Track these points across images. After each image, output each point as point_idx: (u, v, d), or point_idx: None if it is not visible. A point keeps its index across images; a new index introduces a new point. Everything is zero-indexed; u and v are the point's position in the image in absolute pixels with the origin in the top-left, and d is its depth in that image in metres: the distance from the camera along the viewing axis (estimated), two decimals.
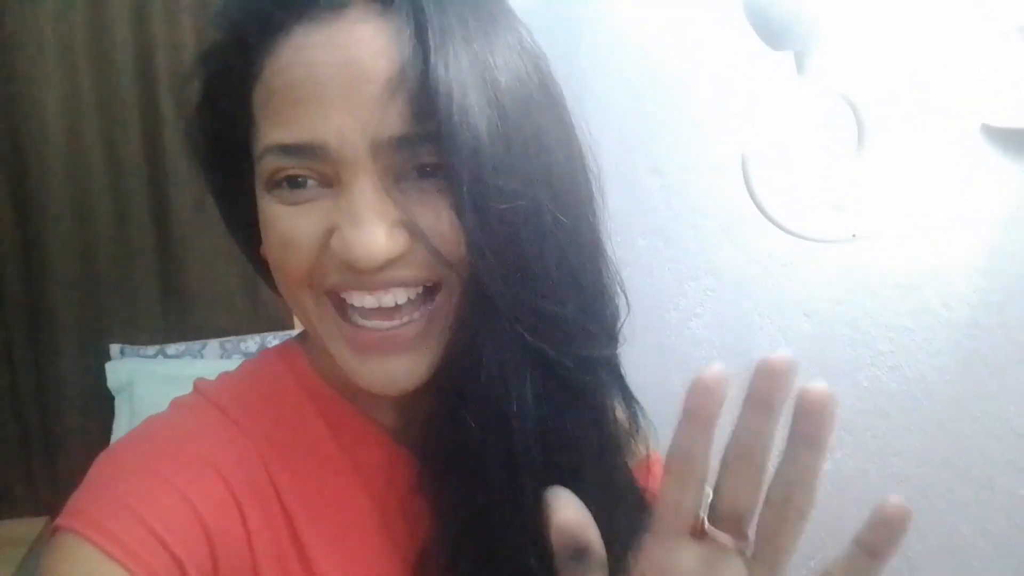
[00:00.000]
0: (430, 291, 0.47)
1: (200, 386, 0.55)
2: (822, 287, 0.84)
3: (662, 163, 1.17)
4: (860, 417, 0.80)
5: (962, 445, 0.67)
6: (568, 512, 0.37)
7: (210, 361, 2.25)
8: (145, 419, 0.53)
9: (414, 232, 0.44)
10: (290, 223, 0.46)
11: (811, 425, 0.33)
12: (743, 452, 0.34)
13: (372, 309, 0.46)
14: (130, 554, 0.44)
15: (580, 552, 0.38)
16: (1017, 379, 0.62)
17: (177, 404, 0.54)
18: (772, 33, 0.53)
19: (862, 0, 0.52)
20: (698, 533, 0.36)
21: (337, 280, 0.46)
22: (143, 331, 2.30)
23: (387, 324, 0.46)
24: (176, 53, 2.20)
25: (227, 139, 0.50)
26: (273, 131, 0.45)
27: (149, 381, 2.16)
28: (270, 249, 0.48)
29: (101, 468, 0.49)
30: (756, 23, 0.53)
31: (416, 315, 0.47)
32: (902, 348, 0.73)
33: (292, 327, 2.20)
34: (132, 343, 2.28)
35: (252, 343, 2.28)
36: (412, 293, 0.47)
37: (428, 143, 0.43)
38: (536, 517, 0.46)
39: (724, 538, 0.36)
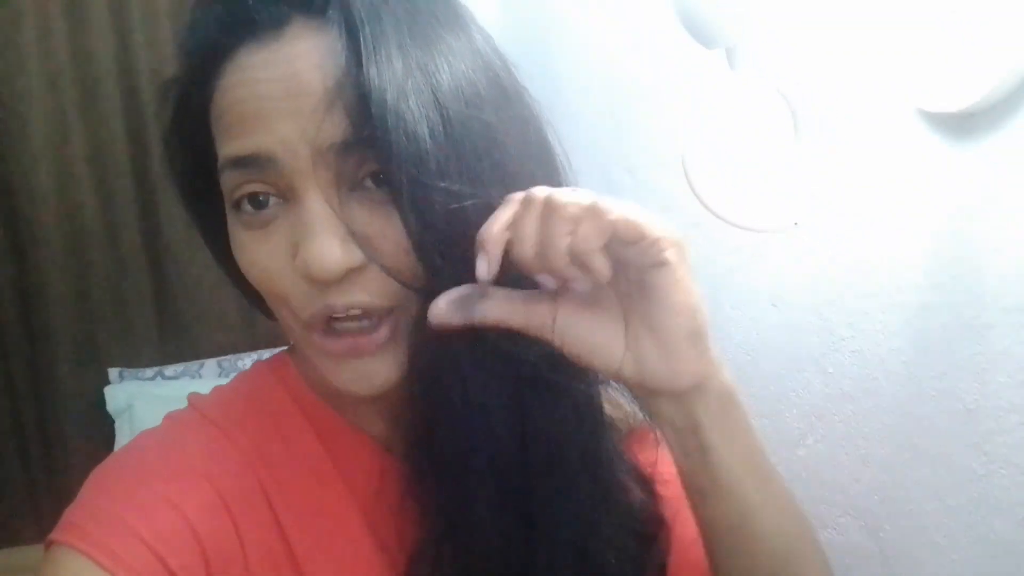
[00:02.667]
0: (391, 310, 0.48)
1: (193, 400, 0.57)
2: (787, 277, 0.85)
3: (634, 162, 1.19)
4: (828, 403, 0.81)
5: (920, 424, 0.69)
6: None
7: (208, 380, 2.27)
8: (139, 433, 0.54)
9: (364, 244, 0.45)
10: (257, 249, 0.48)
11: None
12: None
13: (342, 326, 0.48)
14: (124, 566, 0.45)
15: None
16: (965, 356, 0.64)
17: (171, 418, 0.56)
18: (701, 32, 0.54)
19: None
20: None
21: (312, 313, 0.47)
22: (141, 354, 2.32)
23: (356, 327, 0.48)
24: (160, 74, 2.22)
25: (199, 166, 0.52)
26: (225, 147, 0.47)
27: (149, 403, 2.18)
28: (247, 274, 0.50)
29: (94, 482, 0.50)
30: (686, 23, 0.55)
31: (382, 324, 0.48)
32: (861, 332, 0.75)
33: (288, 344, 2.21)
34: (130, 366, 2.30)
35: (249, 361, 2.31)
36: (375, 318, 0.48)
37: (371, 149, 0.44)
38: (519, 517, 0.49)
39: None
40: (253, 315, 2.24)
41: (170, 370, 2.30)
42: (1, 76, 2.15)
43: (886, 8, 0.61)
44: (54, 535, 0.47)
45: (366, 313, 0.47)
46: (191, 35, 0.50)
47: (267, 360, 0.60)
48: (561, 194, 0.42)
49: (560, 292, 0.45)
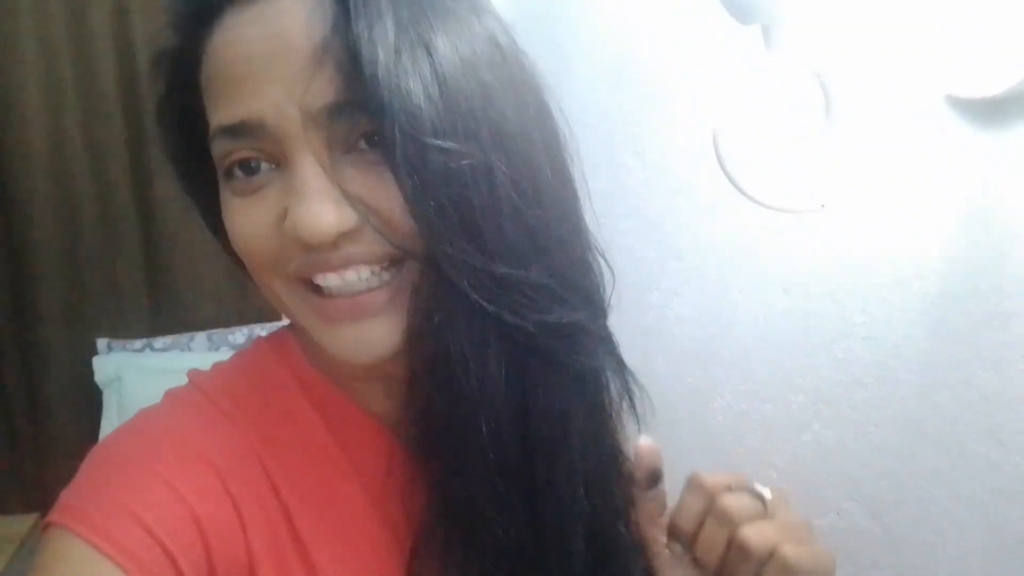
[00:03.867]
0: (395, 263, 0.47)
1: (193, 377, 0.55)
2: (800, 262, 0.85)
3: (643, 145, 1.18)
4: (837, 388, 0.81)
5: (935, 412, 0.69)
6: (646, 440, 0.51)
7: (198, 354, 2.25)
8: (138, 412, 0.53)
9: (359, 206, 0.44)
10: (246, 213, 0.47)
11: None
12: None
13: (338, 287, 0.46)
14: (122, 550, 0.43)
15: (656, 477, 0.53)
16: (985, 345, 0.64)
17: (170, 396, 0.54)
18: (739, 6, 0.53)
19: None
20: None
21: (299, 264, 0.46)
22: (130, 325, 2.30)
23: (354, 288, 0.46)
24: (155, 37, 2.18)
25: (190, 136, 0.51)
26: (216, 114, 0.46)
27: (137, 375, 2.16)
28: (234, 242, 0.48)
29: (92, 463, 0.49)
30: None
31: (387, 276, 0.47)
32: (875, 319, 0.75)
33: (280, 319, 2.20)
34: (119, 337, 2.27)
35: (240, 335, 2.29)
36: (376, 267, 0.46)
37: (364, 111, 0.43)
38: (523, 494, 0.48)
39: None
40: (245, 289, 2.26)
41: (159, 342, 2.28)
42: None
43: None
44: (51, 517, 0.46)
45: (364, 261, 0.45)
46: (178, 1, 0.49)
47: (268, 337, 0.59)
48: (754, 536, 0.51)
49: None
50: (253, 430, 0.52)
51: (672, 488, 0.57)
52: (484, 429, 0.46)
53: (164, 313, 2.33)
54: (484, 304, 0.44)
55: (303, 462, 0.52)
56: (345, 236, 0.44)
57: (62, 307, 2.24)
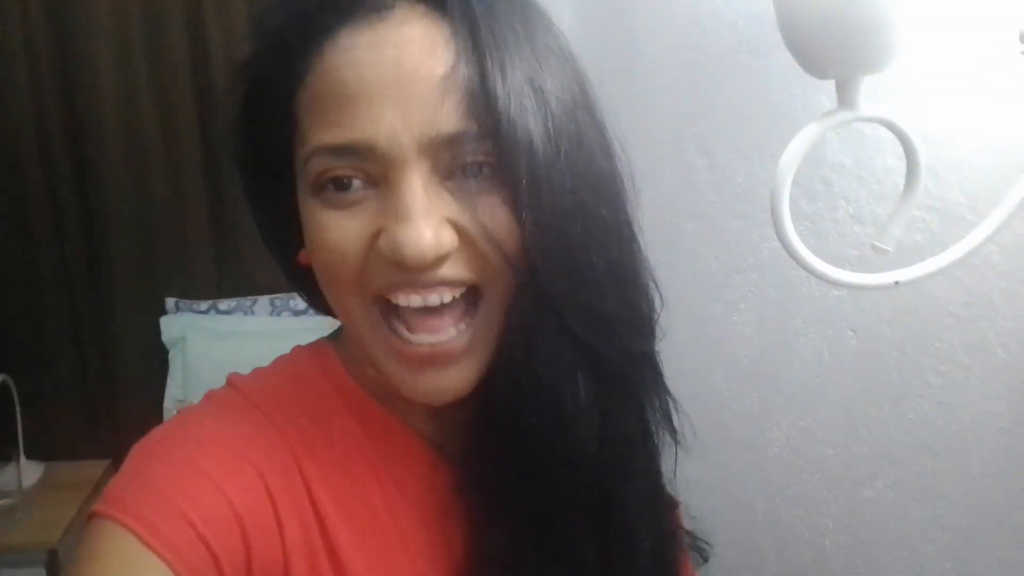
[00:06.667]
0: (473, 294, 0.48)
1: (234, 380, 0.55)
2: (870, 303, 0.77)
3: (711, 144, 1.09)
4: (903, 450, 0.74)
5: (1014, 502, 0.61)
6: None
7: (260, 318, 2.28)
8: (178, 411, 0.54)
9: (461, 229, 0.45)
10: (337, 227, 0.46)
11: None
12: None
13: (418, 308, 0.47)
14: (167, 544, 0.44)
15: None
16: None
17: (211, 398, 0.54)
18: (814, 61, 0.46)
19: (913, 25, 0.44)
20: None
21: (384, 282, 0.46)
22: (197, 286, 2.34)
23: (434, 339, 0.47)
24: (227, 10, 2.18)
25: (267, 146, 0.50)
26: (320, 133, 0.45)
27: (201, 336, 2.20)
28: (316, 254, 0.48)
29: (139, 458, 0.49)
30: (795, 51, 0.46)
31: (463, 326, 0.47)
32: (954, 384, 0.67)
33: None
34: (186, 297, 2.32)
35: (301, 301, 2.30)
36: (457, 292, 0.47)
37: (477, 141, 0.44)
38: (593, 512, 0.50)
39: None
40: None
41: (224, 304, 2.31)
42: (69, 9, 2.13)
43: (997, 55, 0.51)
44: (98, 507, 0.46)
45: (448, 284, 0.46)
46: (278, 11, 0.48)
47: (307, 347, 0.58)
48: None
49: None
50: (293, 434, 0.52)
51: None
52: (570, 452, 0.48)
53: (230, 276, 2.36)
54: (578, 332, 0.46)
55: (340, 469, 0.52)
56: (440, 259, 0.45)
57: (133, 265, 2.30)
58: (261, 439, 0.51)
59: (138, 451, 0.50)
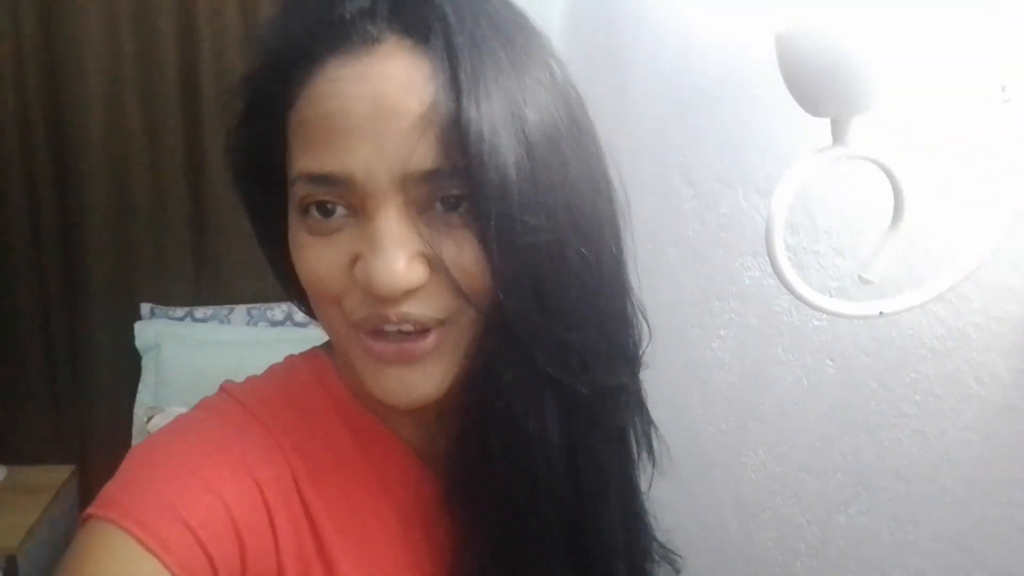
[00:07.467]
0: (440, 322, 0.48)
1: (228, 388, 0.56)
2: (849, 334, 0.80)
3: (696, 173, 1.12)
4: (878, 476, 0.76)
5: (983, 530, 0.64)
6: None
7: (236, 327, 2.27)
8: (175, 417, 0.54)
9: (434, 264, 0.45)
10: (317, 253, 0.47)
11: None
12: None
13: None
14: (165, 547, 0.44)
15: None
16: None
17: (205, 405, 0.55)
18: (809, 100, 0.48)
19: (903, 72, 0.47)
20: None
21: (363, 316, 0.47)
22: (173, 293, 2.32)
23: (403, 335, 0.47)
24: (217, 16, 2.18)
25: (263, 159, 0.51)
26: (304, 159, 0.46)
27: (176, 344, 2.18)
28: (300, 274, 0.49)
29: (135, 462, 0.49)
30: (794, 90, 0.49)
31: (430, 333, 0.48)
32: (928, 414, 0.69)
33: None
34: (163, 304, 2.30)
35: (279, 311, 2.29)
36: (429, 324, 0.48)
37: (454, 177, 0.44)
38: (567, 536, 0.51)
39: None
40: None
41: (200, 312, 2.29)
42: (59, 17, 2.13)
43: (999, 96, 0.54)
44: (93, 510, 0.46)
45: (416, 324, 0.47)
46: (276, 34, 0.49)
47: (302, 356, 0.59)
48: None
49: None
50: (286, 440, 0.52)
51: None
52: (535, 478, 0.49)
53: (207, 284, 2.34)
54: (547, 367, 0.47)
55: (334, 478, 0.53)
56: (409, 293, 0.45)
57: (111, 268, 2.27)
58: (256, 445, 0.51)
59: (134, 455, 0.50)
